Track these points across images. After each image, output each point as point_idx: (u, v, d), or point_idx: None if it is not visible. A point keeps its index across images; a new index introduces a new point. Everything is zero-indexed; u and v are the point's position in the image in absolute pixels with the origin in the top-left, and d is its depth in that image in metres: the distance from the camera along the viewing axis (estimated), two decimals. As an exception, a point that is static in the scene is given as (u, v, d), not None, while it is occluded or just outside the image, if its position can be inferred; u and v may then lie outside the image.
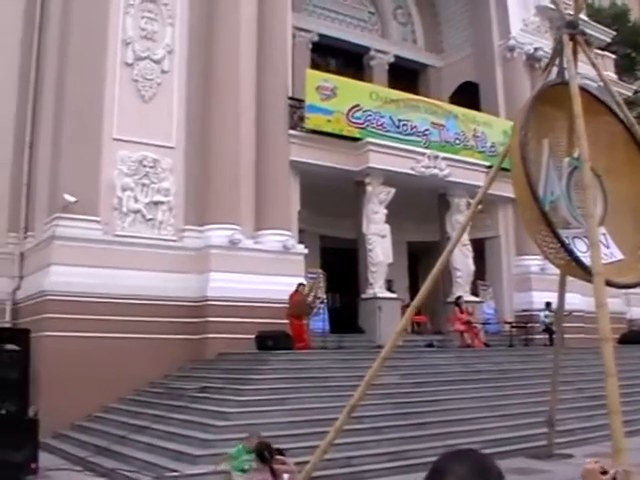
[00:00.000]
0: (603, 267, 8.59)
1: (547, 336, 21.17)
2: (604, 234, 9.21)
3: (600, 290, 7.02)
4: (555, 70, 9.71)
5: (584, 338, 20.86)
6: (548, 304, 20.85)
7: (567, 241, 8.31)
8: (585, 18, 29.76)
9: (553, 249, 8.09)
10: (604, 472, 2.67)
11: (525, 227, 9.25)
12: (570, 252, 7.79)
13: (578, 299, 19.75)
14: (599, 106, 9.58)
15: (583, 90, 9.26)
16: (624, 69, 48.31)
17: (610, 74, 35.01)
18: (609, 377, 6.42)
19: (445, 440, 13.43)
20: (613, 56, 36.89)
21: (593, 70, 27.19)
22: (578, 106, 8.12)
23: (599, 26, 31.81)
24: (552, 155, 9.01)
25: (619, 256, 9.10)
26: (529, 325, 21.97)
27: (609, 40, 33.04)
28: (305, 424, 12.50)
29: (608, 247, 9.16)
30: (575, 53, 9.23)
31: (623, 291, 28.42)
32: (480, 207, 21.10)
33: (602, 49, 35.13)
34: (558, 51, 9.19)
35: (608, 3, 60.42)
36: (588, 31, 30.36)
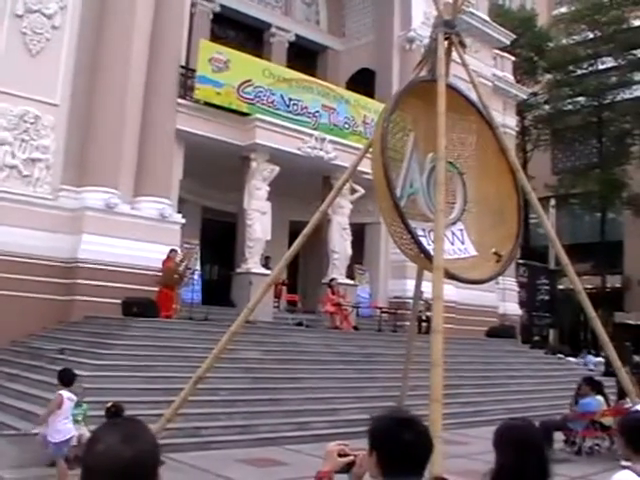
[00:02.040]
0: (455, 262, 8.92)
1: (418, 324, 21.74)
2: (461, 230, 9.52)
3: (438, 283, 7.29)
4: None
5: (454, 329, 21.53)
6: (421, 293, 21.32)
7: (422, 233, 8.56)
8: (485, 17, 30.51)
9: (405, 240, 8.33)
10: (344, 455, 2.86)
11: (382, 217, 9.48)
12: (419, 244, 8.04)
13: (452, 290, 20.35)
14: (470, 107, 9.84)
15: (454, 90, 9.50)
16: (526, 72, 49.63)
17: (508, 75, 35.94)
18: (434, 367, 6.68)
19: (298, 417, 13.74)
20: (512, 58, 37.76)
21: (489, 70, 27.76)
22: (442, 104, 8.34)
23: (500, 28, 32.53)
24: (417, 149, 9.23)
25: (473, 252, 9.42)
26: (399, 311, 22.44)
27: (508, 42, 33.74)
28: (160, 392, 12.53)
29: (463, 243, 9.48)
30: (449, 52, 9.44)
31: (499, 286, 29.46)
32: (362, 192, 21.64)
33: (506, 51, 36.02)
34: (432, 49, 9.37)
35: (517, 6, 61.91)
36: (490, 32, 31.22)
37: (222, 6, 26.96)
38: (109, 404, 9.40)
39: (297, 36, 29.39)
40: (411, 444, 2.63)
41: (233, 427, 12.53)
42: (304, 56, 29.67)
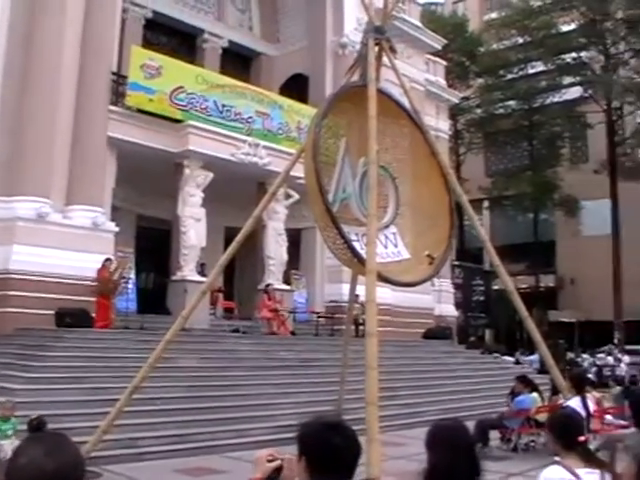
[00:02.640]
0: (389, 265, 9.00)
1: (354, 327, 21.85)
2: (394, 233, 9.62)
3: (371, 287, 7.34)
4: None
5: (391, 331, 21.69)
6: (357, 297, 21.44)
7: (355, 238, 8.62)
8: (420, 24, 30.83)
9: (338, 245, 8.37)
10: (272, 460, 2.88)
11: (315, 222, 9.51)
12: (352, 249, 8.09)
13: (387, 293, 20.49)
14: (400, 112, 9.94)
15: (385, 95, 9.58)
16: (458, 76, 50.28)
17: (440, 80, 36.34)
18: (369, 370, 6.73)
19: (236, 424, 13.68)
20: (444, 63, 38.19)
21: (421, 75, 28.05)
22: (373, 108, 8.41)
23: (432, 33, 32.87)
24: (349, 154, 9.29)
25: (406, 255, 9.52)
26: (336, 316, 22.50)
27: (440, 47, 34.12)
28: (96, 404, 12.35)
29: (396, 246, 9.57)
30: (380, 58, 9.52)
31: (435, 288, 29.76)
32: (297, 198, 21.68)
33: (438, 56, 36.43)
34: (364, 54, 9.44)
35: (449, 12, 62.73)
36: (422, 37, 31.55)
37: (154, 12, 26.71)
38: (32, 417, 9.28)
39: (230, 42, 29.31)
40: (339, 448, 2.66)
41: (170, 437, 12.41)
42: (237, 62, 29.63)
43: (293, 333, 21.62)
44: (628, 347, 41.18)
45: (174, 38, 28.61)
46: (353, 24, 26.86)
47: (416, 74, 30.60)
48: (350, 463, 2.70)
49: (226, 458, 12.17)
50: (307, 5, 28.96)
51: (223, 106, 22.10)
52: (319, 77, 27.24)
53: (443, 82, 37.09)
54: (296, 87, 27.63)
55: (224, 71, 25.70)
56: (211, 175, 20.94)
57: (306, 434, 2.74)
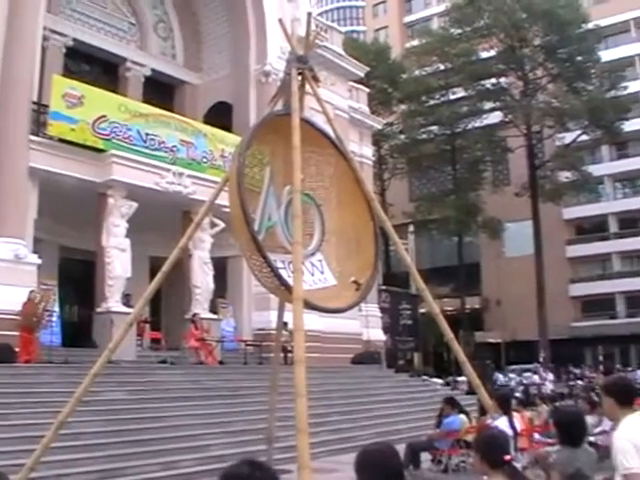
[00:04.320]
0: (315, 292, 9.02)
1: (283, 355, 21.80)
2: (320, 260, 9.65)
3: (298, 314, 7.35)
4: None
5: (319, 357, 21.72)
6: (285, 324, 21.41)
7: (282, 265, 8.63)
8: (343, 53, 31.18)
9: (265, 273, 8.37)
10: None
11: (240, 251, 9.50)
12: (279, 277, 8.10)
13: (315, 319, 20.52)
14: (324, 140, 10.01)
15: (309, 123, 9.65)
16: (381, 103, 50.90)
17: (363, 106, 36.72)
18: (299, 397, 6.73)
19: (165, 457, 13.50)
20: (367, 90, 38.62)
21: (345, 102, 28.31)
22: (297, 137, 8.45)
23: (355, 61, 33.26)
24: (274, 182, 9.32)
25: (333, 282, 9.56)
26: (264, 343, 22.43)
27: (363, 75, 34.53)
28: (21, 440, 12.04)
29: (323, 273, 9.61)
30: (303, 87, 9.59)
31: (362, 313, 29.88)
32: (222, 226, 21.61)
33: (361, 83, 36.83)
34: (287, 83, 9.50)
35: (371, 39, 63.62)
36: (344, 65, 31.90)
37: (75, 40, 26.33)
38: None
39: (153, 70, 29.12)
40: None
41: (97, 472, 12.17)
42: (161, 90, 29.47)
43: (221, 362, 21.49)
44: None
45: (96, 67, 28.30)
46: (277, 52, 27.00)
47: (340, 101, 30.90)
48: None
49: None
50: (230, 33, 29.05)
51: (147, 135, 21.96)
52: (243, 105, 27.30)
53: (366, 109, 37.52)
54: (220, 115, 27.61)
55: (147, 100, 25.53)
56: (135, 205, 20.75)
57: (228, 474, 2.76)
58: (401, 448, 13.45)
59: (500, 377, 39.19)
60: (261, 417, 14.55)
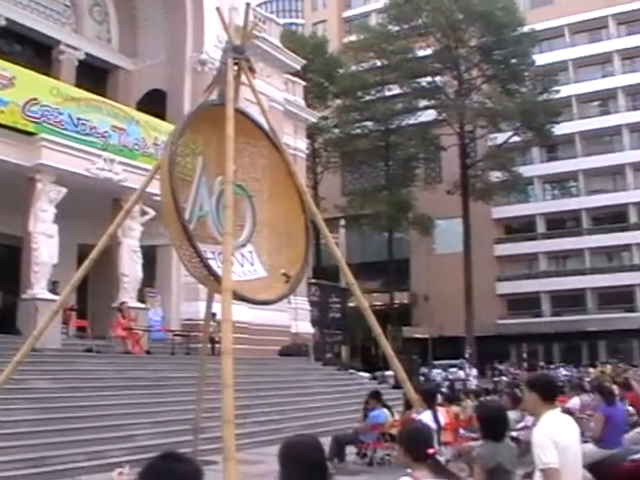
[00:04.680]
0: (245, 283, 9.00)
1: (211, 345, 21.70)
2: (250, 252, 9.63)
3: (227, 305, 7.34)
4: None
5: (247, 349, 21.67)
6: (213, 314, 21.31)
7: (212, 256, 8.59)
8: (279, 45, 31.08)
9: (194, 263, 8.32)
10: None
11: (169, 240, 9.42)
12: (208, 267, 8.07)
13: (244, 311, 20.45)
14: (258, 131, 9.98)
15: (243, 114, 9.61)
16: (317, 96, 50.94)
17: (299, 99, 36.67)
18: (225, 388, 6.72)
19: (90, 446, 13.33)
20: (303, 83, 38.57)
21: (280, 94, 28.16)
22: (230, 128, 8.42)
23: (292, 54, 33.18)
24: (206, 172, 9.26)
25: (262, 274, 9.55)
26: (192, 334, 22.30)
27: (299, 68, 34.48)
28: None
29: (253, 264, 9.59)
30: (239, 77, 9.54)
31: (291, 305, 29.91)
32: (153, 214, 21.38)
33: (297, 76, 36.75)
34: (222, 73, 9.44)
35: (309, 33, 63.53)
36: (281, 57, 31.82)
37: (8, 20, 25.67)
38: None
39: (87, 54, 28.58)
40: (181, 475, 2.68)
41: (22, 461, 11.93)
42: (94, 75, 28.95)
43: (148, 352, 21.28)
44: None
45: (29, 48, 27.63)
46: (213, 41, 26.77)
47: (275, 93, 30.82)
48: None
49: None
50: (167, 20, 28.70)
51: (78, 120, 21.56)
52: (177, 93, 27.03)
53: (302, 102, 37.49)
54: (154, 103, 27.26)
55: (80, 84, 25.04)
56: (64, 190, 20.36)
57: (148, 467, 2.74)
58: (327, 441, 13.54)
59: (434, 372, 39.70)
60: (188, 408, 14.50)
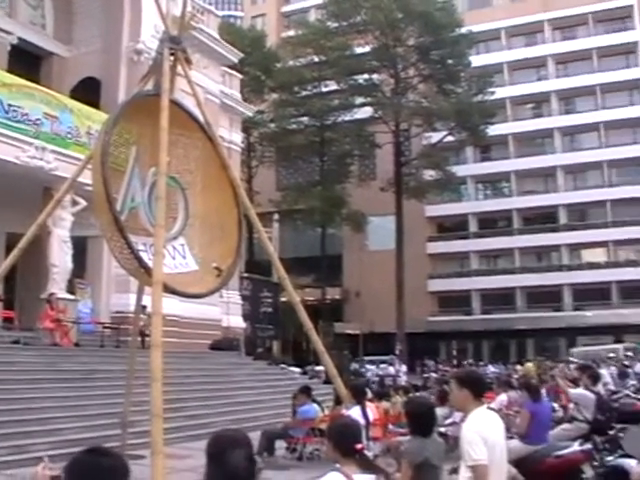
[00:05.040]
0: (176, 276, 8.94)
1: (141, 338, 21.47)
2: (182, 245, 9.58)
3: (157, 298, 7.29)
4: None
5: (178, 342, 21.50)
6: (144, 307, 21.10)
7: (143, 248, 8.51)
8: (217, 36, 30.86)
9: (125, 254, 8.24)
10: (55, 477, 2.84)
11: (100, 230, 9.31)
12: (139, 259, 7.99)
13: (175, 304, 20.28)
14: (193, 123, 9.92)
15: (178, 106, 9.54)
16: (254, 90, 50.71)
17: (235, 93, 36.45)
18: (154, 382, 6.68)
19: (16, 440, 13.10)
20: (240, 76, 38.35)
21: (217, 87, 27.92)
22: (164, 119, 8.36)
23: (229, 46, 32.95)
24: (139, 163, 9.17)
25: (194, 267, 9.51)
26: (122, 326, 22.03)
27: (237, 60, 34.28)
28: None
29: (184, 257, 9.53)
30: (175, 68, 9.46)
31: (223, 299, 29.78)
32: (84, 205, 21.06)
33: (234, 69, 36.52)
34: (158, 63, 9.35)
35: (248, 26, 63.18)
36: (219, 49, 31.59)
37: None
38: None
39: (20, 39, 27.92)
40: (105, 469, 2.66)
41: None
42: (27, 61, 28.31)
43: (77, 344, 20.94)
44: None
45: (-42, 31, 26.99)
46: (151, 31, 26.41)
47: (211, 85, 30.59)
48: None
49: (3, 476, 11.60)
50: (104, 7, 28.22)
51: (9, 106, 21.07)
52: (112, 82, 26.61)
53: (238, 95, 37.29)
54: (88, 91, 26.78)
55: (12, 70, 24.44)
56: (-7, 178, 19.97)
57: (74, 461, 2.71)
58: (257, 435, 13.54)
59: (364, 367, 39.91)
60: (116, 401, 14.36)
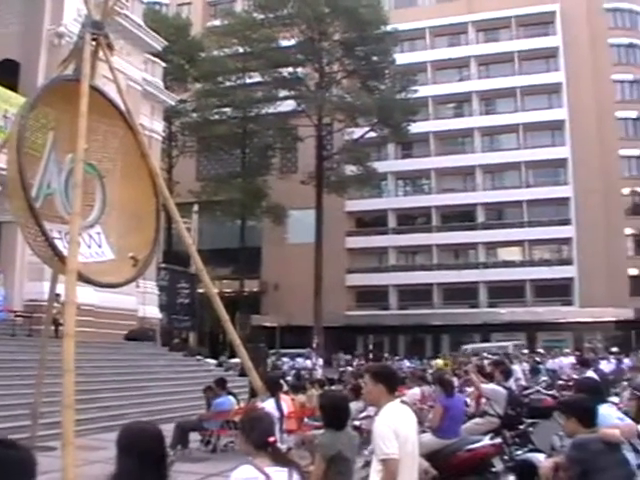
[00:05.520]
0: (91, 265, 8.80)
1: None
2: (99, 233, 9.42)
3: (71, 286, 7.17)
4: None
5: (92, 332, 21.17)
6: (57, 296, 20.71)
7: (58, 236, 8.36)
8: (142, 23, 30.41)
9: (39, 242, 8.08)
10: None
11: (14, 217, 9.11)
12: (53, 247, 7.85)
13: (90, 293, 19.97)
14: (113, 110, 9.77)
15: (99, 92, 9.38)
16: (177, 79, 50.14)
17: (158, 80, 35.98)
18: (66, 373, 6.57)
19: None
20: (164, 64, 37.87)
21: (140, 74, 27.52)
22: (84, 105, 8.20)
23: (153, 33, 32.50)
24: (57, 149, 8.99)
25: (110, 256, 9.37)
26: (35, 315, 21.60)
27: (160, 48, 33.83)
28: None
29: (100, 246, 9.39)
30: (96, 54, 9.30)
31: (140, 289, 29.43)
32: (-1, 189, 20.53)
33: (158, 56, 36.02)
34: (80, 48, 9.18)
35: (173, 13, 62.39)
36: (142, 36, 31.13)
37: None
38: None
39: None
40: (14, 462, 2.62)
41: None
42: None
43: (-13, 332, 20.50)
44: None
45: None
46: (73, 14, 25.90)
47: (134, 72, 30.15)
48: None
49: None
50: (26, -13, 27.57)
51: None
52: (32, 65, 25.99)
53: (161, 83, 36.81)
54: (6, 73, 26.11)
55: None
56: None
57: None
58: (171, 427, 13.47)
59: (281, 360, 39.92)
60: (27, 392, 14.08)
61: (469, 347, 45.74)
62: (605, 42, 59.81)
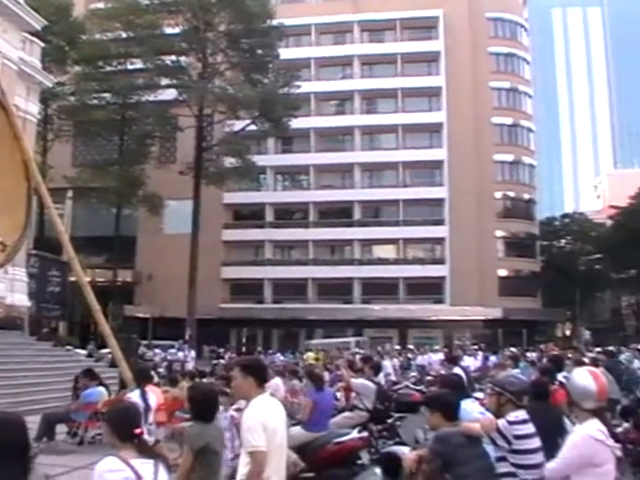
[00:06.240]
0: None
1: None
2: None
3: None
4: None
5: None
6: None
7: None
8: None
9: None
10: None
11: None
12: None
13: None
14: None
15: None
16: (55, 60, 48.62)
17: (35, 61, 34.85)
18: None
19: None
20: (42, 44, 36.70)
21: (16, 53, 26.69)
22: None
23: (33, 12, 31.46)
24: None
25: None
26: None
27: (40, 27, 32.78)
28: None
29: None
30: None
31: (8, 276, 28.49)
32: None
33: (36, 36, 34.85)
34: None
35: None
36: (21, 14, 30.05)
37: None
38: None
39: None
40: None
41: None
42: None
43: None
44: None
45: None
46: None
47: (10, 51, 29.09)
48: None
49: None
50: None
51: None
52: None
53: (38, 64, 35.62)
54: None
55: None
56: None
57: None
58: (38, 419, 13.13)
59: (152, 352, 39.44)
60: None
61: (312, 342, 46.52)
62: (485, 50, 61.86)
